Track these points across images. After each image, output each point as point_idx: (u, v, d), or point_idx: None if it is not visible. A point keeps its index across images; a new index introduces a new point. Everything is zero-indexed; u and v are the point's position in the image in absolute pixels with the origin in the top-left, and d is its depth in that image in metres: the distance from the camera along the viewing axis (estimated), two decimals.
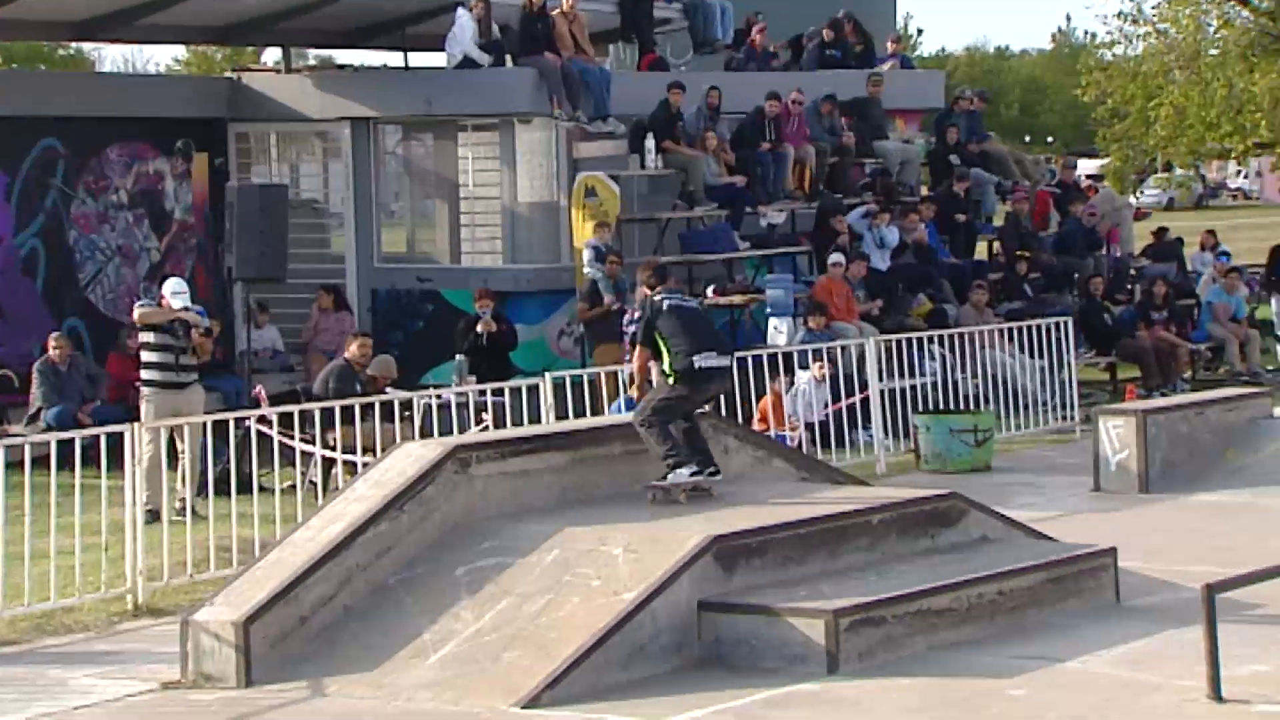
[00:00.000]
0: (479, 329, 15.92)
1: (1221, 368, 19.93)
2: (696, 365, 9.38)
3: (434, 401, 12.35)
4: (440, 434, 11.77)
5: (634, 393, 9.85)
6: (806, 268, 18.78)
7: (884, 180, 19.88)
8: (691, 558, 7.90)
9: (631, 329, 15.85)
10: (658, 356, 9.59)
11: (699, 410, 9.62)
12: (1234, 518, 11.16)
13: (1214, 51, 28.03)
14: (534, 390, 12.54)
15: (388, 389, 13.34)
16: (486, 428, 12.62)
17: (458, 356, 15.84)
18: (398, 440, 10.35)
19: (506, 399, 12.62)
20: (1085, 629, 8.24)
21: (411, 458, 8.75)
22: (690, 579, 7.86)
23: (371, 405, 11.82)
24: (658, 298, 9.63)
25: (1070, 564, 8.69)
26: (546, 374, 12.65)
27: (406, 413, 12.41)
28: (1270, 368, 19.76)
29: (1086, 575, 8.72)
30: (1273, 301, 21.12)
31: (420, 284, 17.89)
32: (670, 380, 9.46)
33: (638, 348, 9.70)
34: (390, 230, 18.68)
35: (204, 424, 11.35)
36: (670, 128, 18.02)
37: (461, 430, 12.44)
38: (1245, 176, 71.38)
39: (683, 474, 9.27)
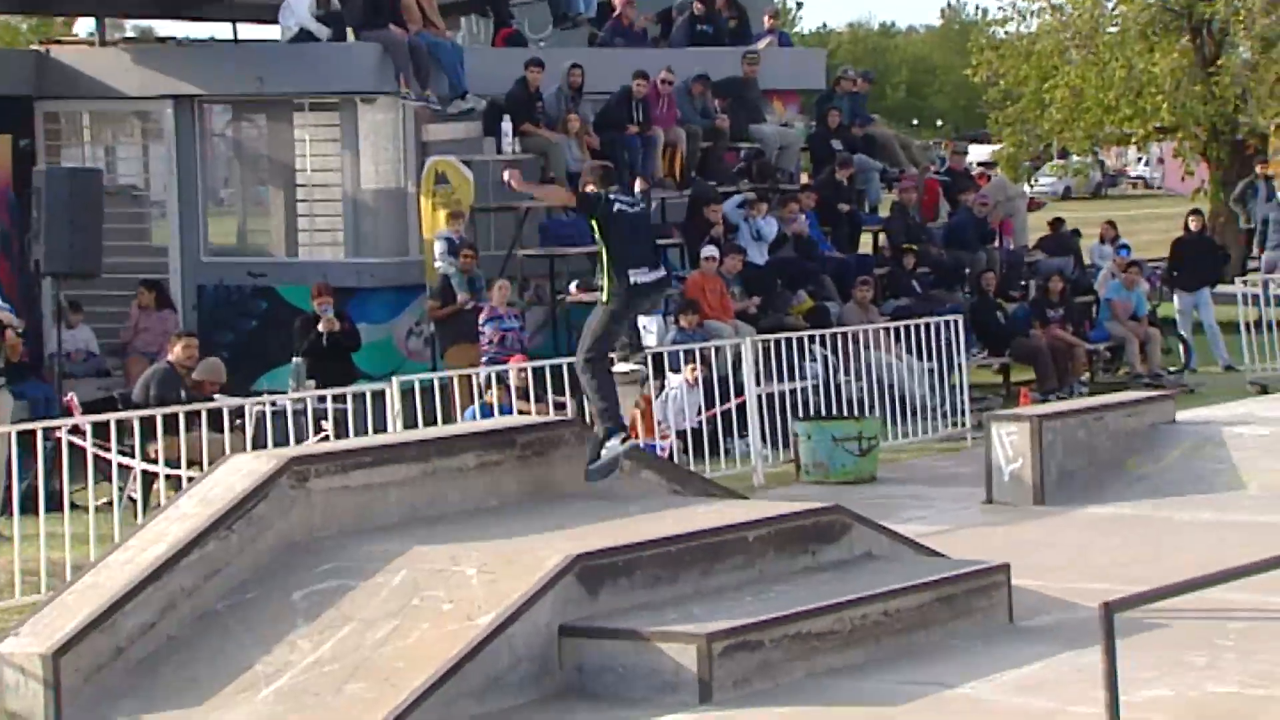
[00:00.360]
0: (320, 328, 15.80)
1: (1121, 369, 20.33)
2: (633, 281, 9.85)
3: (268, 409, 12.24)
4: (275, 445, 11.67)
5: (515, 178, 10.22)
6: (677, 261, 18.85)
7: (761, 167, 20.03)
8: (552, 578, 7.90)
9: (486, 328, 15.85)
10: (600, 268, 10.08)
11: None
12: (1135, 531, 11.39)
13: (1112, 30, 28.55)
14: (379, 396, 12.48)
15: (216, 395, 13.20)
16: (326, 437, 12.54)
17: (295, 359, 15.71)
18: (227, 452, 10.23)
19: (349, 406, 12.56)
20: (976, 652, 8.35)
21: (242, 471, 8.67)
22: (551, 602, 7.87)
23: (198, 413, 11.69)
24: (610, 196, 9.96)
25: (961, 582, 8.81)
26: (393, 378, 12.61)
27: (237, 421, 12.28)
28: (1173, 369, 20.18)
29: (978, 594, 8.85)
30: (1175, 298, 21.56)
31: (252, 279, 17.72)
32: (604, 298, 9.94)
33: (574, 197, 10.23)
34: (219, 220, 18.47)
35: (9, 434, 11.15)
36: (528, 109, 18.01)
37: (299, 440, 12.34)
38: (1146, 163, 72.82)
39: (616, 445, 9.63)
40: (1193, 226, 21.83)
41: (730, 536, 8.67)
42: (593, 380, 9.92)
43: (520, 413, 13.16)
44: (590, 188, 10.14)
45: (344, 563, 8.30)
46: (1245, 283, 21.05)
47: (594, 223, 9.97)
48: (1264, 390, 18.31)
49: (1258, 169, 27.59)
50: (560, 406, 13.72)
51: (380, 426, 12.28)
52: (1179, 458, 12.62)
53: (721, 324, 16.79)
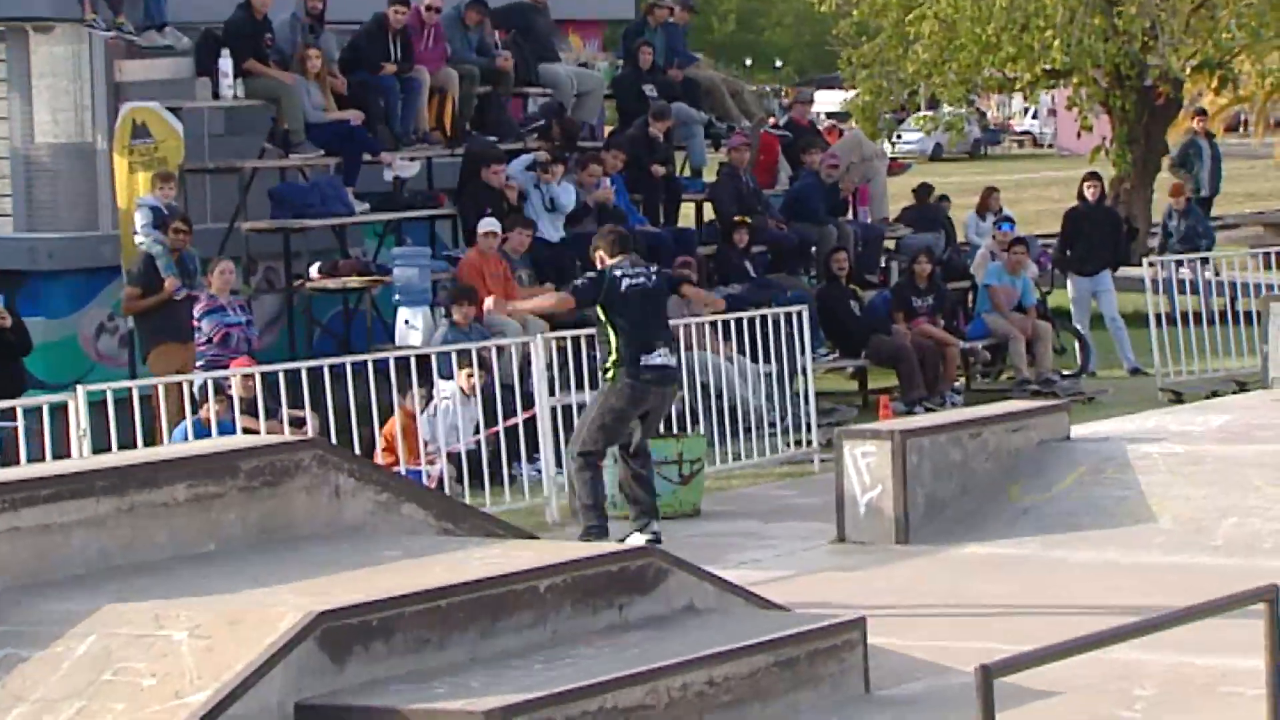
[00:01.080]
0: None
1: (1004, 373, 20.70)
2: (643, 363, 11.44)
3: None
4: None
5: (494, 304, 12.22)
6: (449, 238, 18.84)
7: (555, 118, 20.08)
8: (287, 643, 7.85)
9: (203, 324, 15.69)
10: (603, 341, 11.62)
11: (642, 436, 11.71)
12: (1021, 575, 11.59)
13: None
14: (60, 411, 12.31)
15: None
16: None
17: None
18: None
19: (19, 423, 12.38)
20: None
21: None
22: (285, 673, 7.82)
23: None
24: (617, 272, 11.57)
25: (805, 642, 8.91)
26: (79, 387, 12.45)
27: None
28: (1067, 372, 20.59)
29: (827, 656, 8.95)
30: (1069, 284, 22.00)
31: None
32: (609, 377, 11.45)
33: (572, 298, 11.81)
34: None
35: None
36: (254, 42, 17.89)
37: None
38: (1035, 116, 74.31)
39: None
40: (1090, 195, 22.27)
41: (516, 587, 8.69)
42: (579, 475, 11.61)
43: (246, 431, 13.06)
44: (599, 255, 11.75)
45: (13, 626, 8.18)
46: (1156, 265, 21.52)
47: (599, 307, 11.54)
48: (1178, 399, 18.79)
49: (1195, 125, 28.27)
50: (298, 423, 13.63)
51: (61, 450, 12.11)
52: (1074, 484, 12.86)
53: (505, 318, 16.80)
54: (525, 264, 17.80)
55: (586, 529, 11.63)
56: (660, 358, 11.64)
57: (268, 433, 12.95)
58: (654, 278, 12.00)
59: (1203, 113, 29.28)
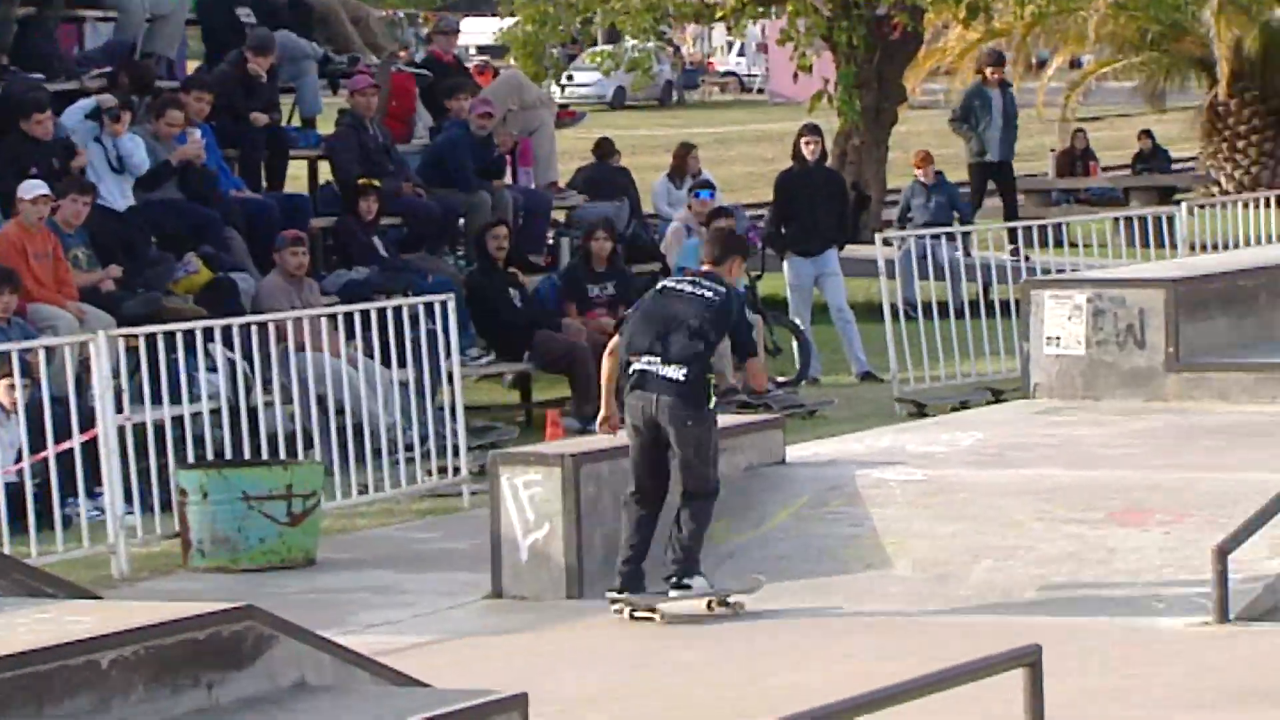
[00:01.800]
0: None
1: None
2: (631, 368, 12.15)
3: None
4: None
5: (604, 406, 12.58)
6: None
7: (123, 52, 19.87)
8: None
9: None
10: None
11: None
12: (722, 636, 11.71)
13: None
14: None
15: None
16: None
17: None
18: None
19: None
20: None
21: None
22: None
23: None
24: (668, 281, 12.76)
25: None
26: None
27: None
28: (782, 379, 20.82)
29: None
30: (785, 267, 22.26)
31: None
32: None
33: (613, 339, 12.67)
34: None
35: None
36: None
37: None
38: (741, 53, 75.21)
39: (611, 594, 11.96)
40: (809, 153, 22.51)
41: (71, 662, 8.59)
42: (622, 513, 12.24)
43: None
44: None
45: None
46: (893, 243, 21.86)
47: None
48: (919, 411, 19.10)
49: (988, 73, 28.68)
50: None
51: None
52: (792, 519, 13.02)
53: (57, 309, 16.60)
54: (83, 240, 17.57)
55: (619, 569, 12.14)
56: (644, 364, 12.11)
57: None
58: (698, 291, 12.27)
59: (999, 59, 29.38)
